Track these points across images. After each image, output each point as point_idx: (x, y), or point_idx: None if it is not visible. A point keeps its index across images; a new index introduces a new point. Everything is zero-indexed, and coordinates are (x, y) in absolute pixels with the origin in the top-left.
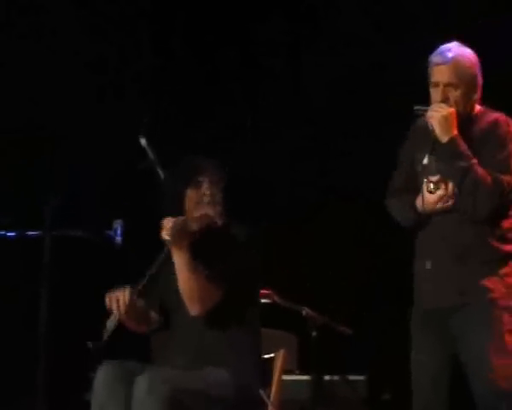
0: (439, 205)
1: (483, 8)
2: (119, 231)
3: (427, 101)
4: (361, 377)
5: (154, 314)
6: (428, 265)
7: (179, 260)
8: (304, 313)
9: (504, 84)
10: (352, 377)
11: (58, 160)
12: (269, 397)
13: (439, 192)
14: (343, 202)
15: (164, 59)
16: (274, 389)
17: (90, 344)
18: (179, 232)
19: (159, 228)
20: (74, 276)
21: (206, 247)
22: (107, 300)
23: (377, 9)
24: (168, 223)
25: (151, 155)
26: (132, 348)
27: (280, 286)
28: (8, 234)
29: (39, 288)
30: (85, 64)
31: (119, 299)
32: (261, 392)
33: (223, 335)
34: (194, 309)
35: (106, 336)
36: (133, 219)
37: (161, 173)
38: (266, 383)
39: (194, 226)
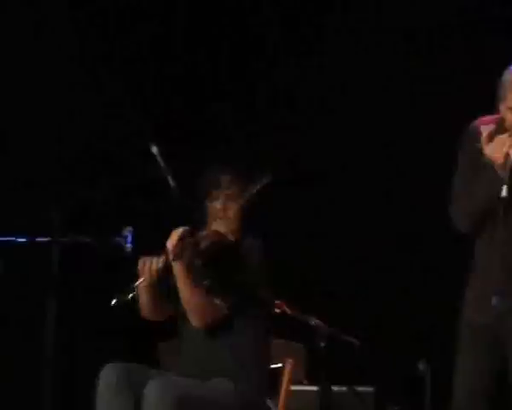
0: None
1: None
2: (129, 239)
3: None
4: (369, 389)
5: (166, 307)
6: (485, 283)
7: (178, 273)
8: (312, 323)
9: None
10: (360, 389)
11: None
12: (276, 407)
13: None
14: (353, 210)
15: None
16: (282, 398)
17: (114, 301)
18: (181, 245)
19: (168, 235)
20: (83, 283)
21: (213, 262)
22: (140, 262)
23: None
24: (175, 235)
25: (162, 163)
26: (137, 353)
27: (288, 296)
28: (19, 240)
29: (47, 294)
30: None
31: (152, 263)
32: (269, 401)
33: (227, 346)
34: (194, 321)
35: (130, 294)
36: (143, 227)
37: (171, 182)
38: (274, 393)
39: (204, 242)
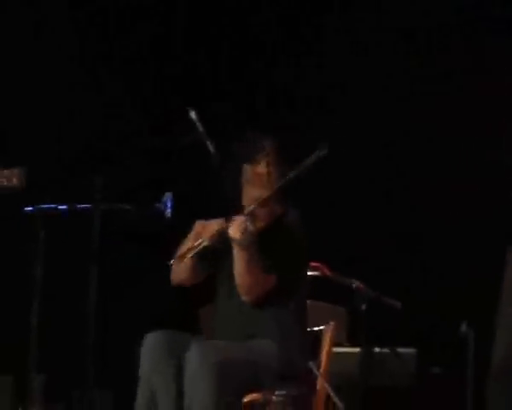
0: None
1: None
2: (169, 204)
3: None
4: (411, 351)
5: (201, 271)
6: None
7: (240, 256)
8: (354, 285)
9: None
10: (402, 350)
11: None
12: (318, 369)
13: None
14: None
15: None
16: (323, 360)
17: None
18: (248, 235)
19: (208, 202)
20: (124, 249)
21: (265, 237)
22: (198, 225)
23: None
24: (241, 223)
25: (200, 128)
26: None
27: (330, 258)
28: (60, 207)
29: (89, 261)
30: None
31: (213, 225)
32: (310, 364)
33: (269, 311)
34: (243, 295)
35: (191, 254)
36: (183, 192)
37: (211, 147)
38: (316, 355)
39: (261, 220)
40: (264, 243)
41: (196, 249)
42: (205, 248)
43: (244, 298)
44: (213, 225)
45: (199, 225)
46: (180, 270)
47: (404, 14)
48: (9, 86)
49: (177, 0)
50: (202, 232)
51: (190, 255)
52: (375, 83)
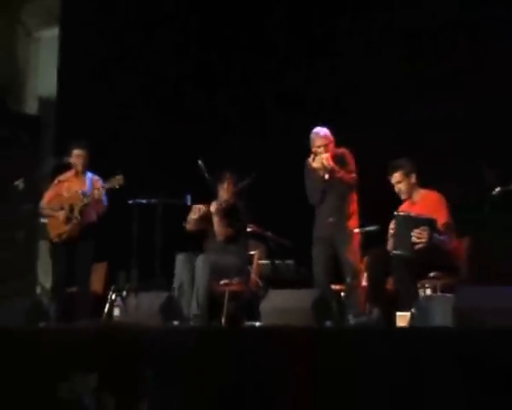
0: None
1: None
2: (188, 199)
3: None
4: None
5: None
6: None
7: (215, 219)
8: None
9: None
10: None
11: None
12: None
13: None
14: None
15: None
16: (254, 268)
17: (185, 224)
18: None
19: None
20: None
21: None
22: (194, 207)
23: None
24: (214, 206)
25: (205, 172)
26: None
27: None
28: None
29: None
30: None
31: (200, 208)
32: (249, 268)
33: (234, 244)
34: (219, 237)
35: (194, 216)
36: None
37: (207, 175)
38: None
39: (225, 204)
40: (231, 213)
41: (194, 217)
42: (198, 217)
43: (219, 238)
44: (200, 208)
45: (194, 207)
46: (189, 226)
47: (413, 15)
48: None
49: (191, 2)
50: (194, 210)
51: (193, 220)
52: (385, 83)
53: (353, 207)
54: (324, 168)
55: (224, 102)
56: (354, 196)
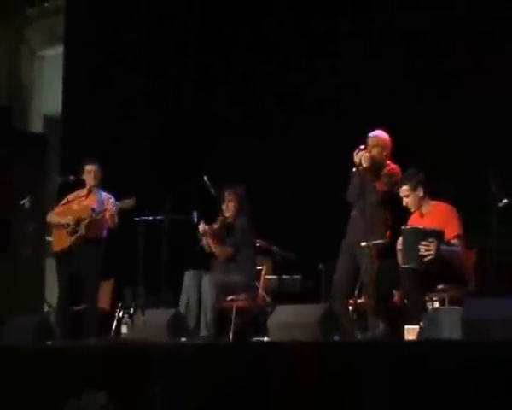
0: None
1: None
2: (195, 217)
3: None
4: None
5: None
6: None
7: (211, 242)
8: (274, 248)
9: None
10: None
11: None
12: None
13: None
14: None
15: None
16: (262, 283)
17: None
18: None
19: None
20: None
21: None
22: (200, 226)
23: None
24: (210, 229)
25: (210, 186)
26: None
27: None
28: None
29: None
30: None
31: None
32: (256, 283)
33: (236, 265)
34: (219, 258)
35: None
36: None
37: (213, 191)
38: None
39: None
40: (229, 232)
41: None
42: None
43: (219, 259)
44: (205, 227)
45: (200, 226)
46: (207, 248)
47: (414, 16)
48: None
49: (192, 2)
50: (201, 230)
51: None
52: (385, 83)
53: (382, 222)
54: (359, 164)
55: (225, 102)
56: (385, 213)
